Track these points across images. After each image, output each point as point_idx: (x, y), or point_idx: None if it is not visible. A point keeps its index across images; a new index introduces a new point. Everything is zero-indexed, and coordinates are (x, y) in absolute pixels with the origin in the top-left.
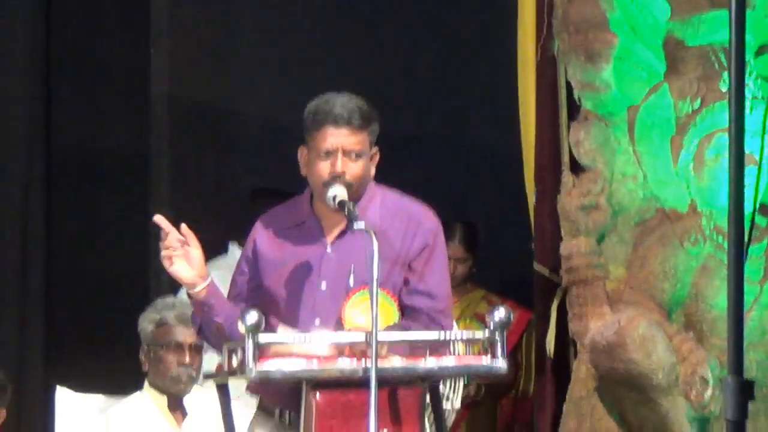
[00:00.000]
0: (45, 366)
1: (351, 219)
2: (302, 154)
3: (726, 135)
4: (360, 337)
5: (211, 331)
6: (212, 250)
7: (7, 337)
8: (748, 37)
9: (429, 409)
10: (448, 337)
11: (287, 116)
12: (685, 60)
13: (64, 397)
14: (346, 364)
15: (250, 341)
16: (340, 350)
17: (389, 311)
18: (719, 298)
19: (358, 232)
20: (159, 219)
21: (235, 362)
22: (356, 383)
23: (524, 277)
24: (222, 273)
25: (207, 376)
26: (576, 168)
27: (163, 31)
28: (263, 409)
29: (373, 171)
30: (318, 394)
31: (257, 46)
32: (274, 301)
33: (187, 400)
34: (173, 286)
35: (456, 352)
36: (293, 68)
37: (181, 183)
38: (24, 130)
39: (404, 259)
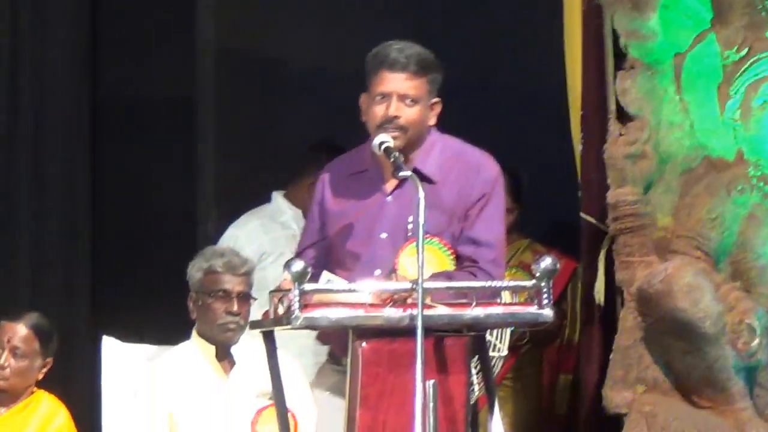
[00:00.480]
0: (92, 315)
1: (396, 166)
2: (363, 100)
3: None
4: (405, 286)
5: None
6: (257, 198)
7: (55, 286)
8: None
9: (476, 357)
10: (493, 286)
11: (334, 65)
12: (732, 8)
13: (110, 346)
14: (392, 313)
15: (296, 289)
16: (386, 298)
17: (444, 261)
18: (767, 247)
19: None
20: None
21: (281, 310)
22: (402, 332)
23: (570, 226)
24: (265, 222)
25: (253, 325)
26: (622, 116)
27: None
28: (332, 359)
29: (433, 120)
30: (364, 342)
31: None
32: (339, 251)
33: (236, 349)
34: (219, 234)
35: (502, 301)
36: (340, 17)
37: (227, 132)
38: (70, 78)
39: (463, 208)
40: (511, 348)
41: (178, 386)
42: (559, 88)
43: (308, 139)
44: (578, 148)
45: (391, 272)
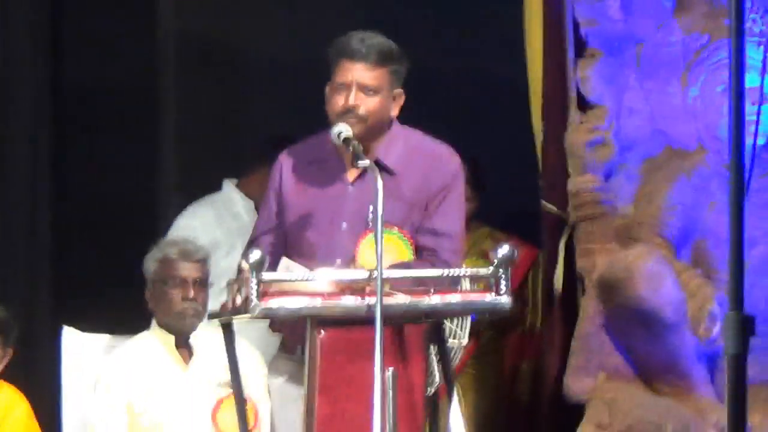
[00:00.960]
0: (53, 305)
1: (355, 155)
2: (327, 90)
3: None
4: (363, 275)
5: None
6: (213, 187)
7: (15, 276)
8: None
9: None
10: (451, 274)
11: (298, 54)
12: None
13: (70, 336)
14: (351, 301)
15: (254, 278)
16: (344, 287)
17: (403, 252)
18: (727, 234)
19: (371, 174)
20: None
21: (239, 300)
22: (361, 320)
23: (531, 214)
24: (219, 212)
25: (212, 316)
26: (583, 104)
27: None
28: (284, 348)
29: (395, 111)
30: (322, 331)
31: None
32: (295, 237)
33: (195, 339)
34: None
35: (462, 289)
36: (304, 5)
37: (188, 121)
38: (29, 66)
39: (424, 200)
40: (473, 335)
41: (137, 376)
42: (519, 76)
43: (270, 129)
44: (539, 136)
45: (350, 261)
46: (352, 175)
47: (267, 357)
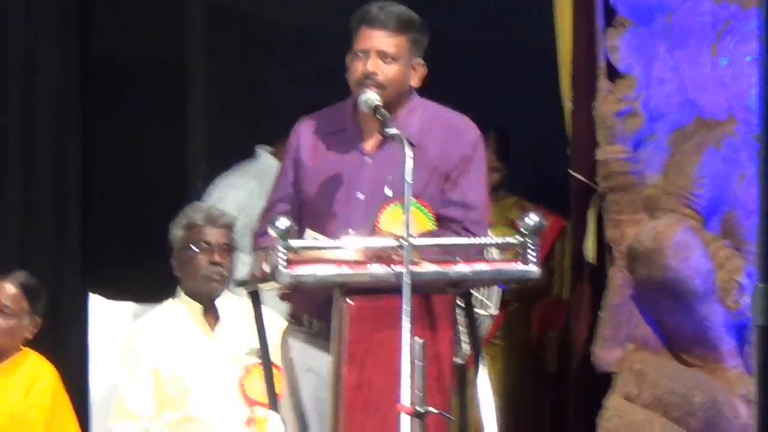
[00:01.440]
0: (81, 274)
1: (384, 123)
2: (349, 58)
3: None
4: (392, 242)
5: None
6: (245, 156)
7: (44, 245)
8: None
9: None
10: (479, 242)
11: (325, 25)
12: None
13: (97, 304)
14: (378, 270)
15: (281, 246)
16: (372, 255)
17: (424, 222)
18: (756, 204)
19: (398, 144)
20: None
21: (267, 268)
22: (388, 289)
23: (559, 183)
24: (248, 178)
25: (239, 284)
26: (612, 74)
27: None
28: (294, 318)
29: (415, 82)
30: (350, 299)
31: None
32: (312, 208)
33: (221, 306)
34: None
35: (489, 259)
36: None
37: (217, 91)
38: (59, 37)
39: (443, 170)
40: (500, 306)
41: (164, 343)
42: (548, 45)
43: (298, 99)
44: (568, 105)
45: (365, 232)
46: (369, 145)
47: None
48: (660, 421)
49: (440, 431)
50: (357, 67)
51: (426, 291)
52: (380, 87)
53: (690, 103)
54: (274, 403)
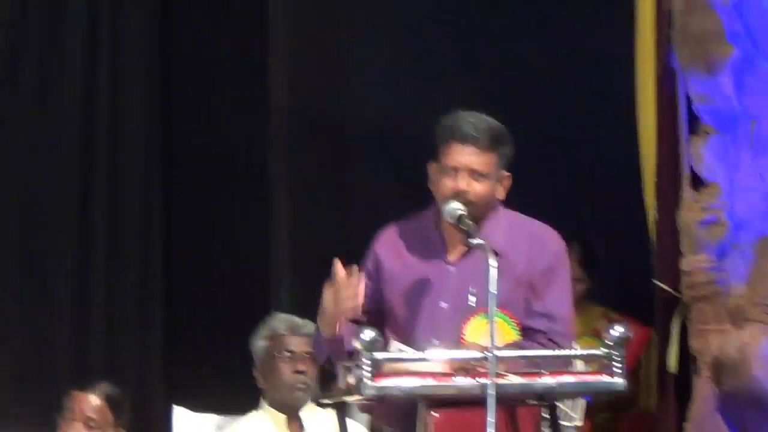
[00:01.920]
0: (164, 384)
1: (468, 234)
2: (432, 168)
3: None
4: (477, 354)
5: (340, 361)
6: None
7: (128, 357)
8: None
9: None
10: (565, 354)
11: (405, 127)
12: None
13: (181, 416)
14: (464, 382)
15: (367, 359)
16: (456, 368)
17: (509, 333)
18: None
19: (482, 253)
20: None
21: (351, 380)
22: (473, 401)
23: (644, 293)
24: None
25: (324, 396)
26: (696, 182)
27: (281, 41)
28: (373, 430)
29: (501, 194)
30: (435, 412)
31: (376, 55)
32: (392, 314)
33: (304, 416)
34: (294, 302)
35: (574, 370)
36: (413, 79)
37: (301, 198)
38: (145, 135)
39: (527, 280)
40: (587, 416)
41: None
42: (632, 154)
43: (379, 201)
44: (651, 214)
45: (449, 342)
46: (453, 255)
47: None
48: None
49: None
50: (447, 183)
51: (511, 403)
52: (470, 204)
53: None
54: None
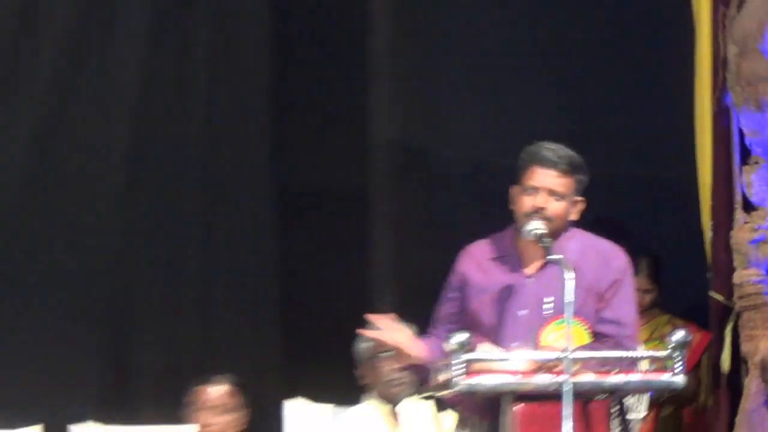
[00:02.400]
0: (280, 378)
1: (547, 249)
2: (514, 191)
3: None
4: (555, 355)
5: (427, 373)
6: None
7: (249, 354)
8: None
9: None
10: (631, 355)
11: (500, 161)
12: None
13: (296, 406)
14: (543, 379)
15: (458, 359)
16: (537, 367)
17: (582, 336)
18: None
19: (556, 268)
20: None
21: (442, 377)
22: (552, 396)
23: (702, 303)
24: None
25: (420, 390)
26: (747, 206)
27: (383, 79)
28: (462, 421)
29: (575, 216)
30: (518, 405)
31: (477, 92)
32: (477, 323)
33: (405, 407)
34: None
35: (640, 369)
36: (509, 115)
37: (401, 221)
38: (255, 171)
39: (597, 291)
40: (653, 409)
41: None
42: (691, 182)
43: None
44: (708, 234)
45: (528, 344)
46: (530, 269)
47: None
48: None
49: None
50: (527, 201)
51: (584, 398)
52: (547, 220)
53: None
54: None
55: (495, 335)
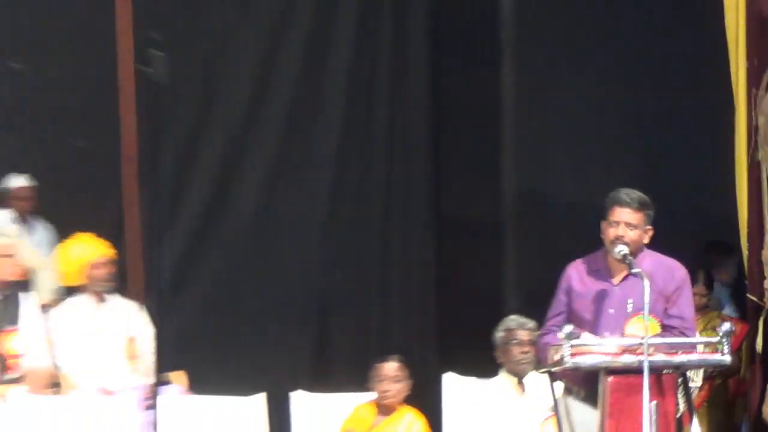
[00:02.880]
0: (438, 357)
1: (631, 266)
2: (603, 224)
3: None
4: (636, 341)
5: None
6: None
7: (412, 337)
8: None
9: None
10: (691, 341)
11: (594, 200)
12: None
13: (451, 380)
14: (628, 359)
15: (567, 344)
16: (623, 350)
17: (654, 328)
18: None
19: (635, 278)
20: None
21: (557, 357)
22: (634, 370)
23: (743, 303)
24: None
25: (539, 366)
26: None
27: (512, 142)
28: (566, 391)
29: (646, 240)
30: (610, 377)
31: (577, 151)
32: (579, 319)
33: (529, 381)
34: (519, 309)
35: (698, 351)
36: (598, 165)
37: (524, 245)
38: (420, 203)
39: (665, 294)
40: (708, 380)
41: (496, 400)
42: (733, 216)
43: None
44: (745, 251)
45: (616, 334)
46: (616, 279)
47: None
48: None
49: None
50: (611, 232)
51: (658, 372)
52: (626, 244)
53: None
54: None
55: (592, 327)
